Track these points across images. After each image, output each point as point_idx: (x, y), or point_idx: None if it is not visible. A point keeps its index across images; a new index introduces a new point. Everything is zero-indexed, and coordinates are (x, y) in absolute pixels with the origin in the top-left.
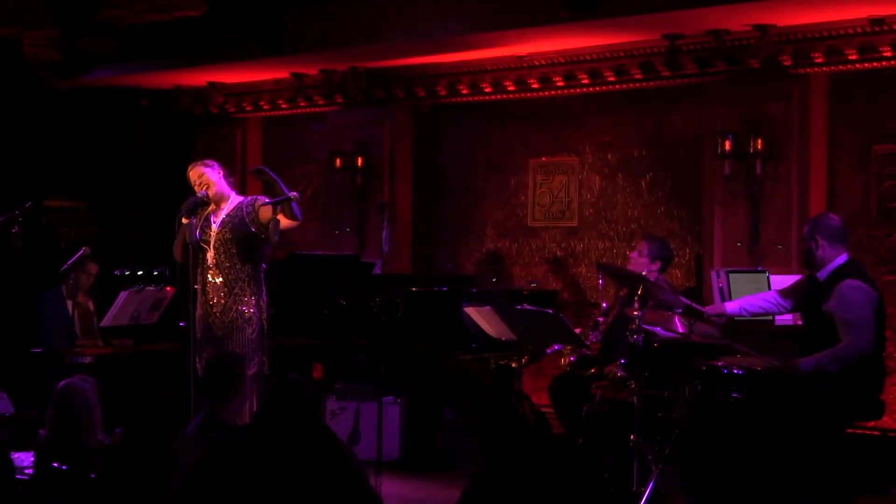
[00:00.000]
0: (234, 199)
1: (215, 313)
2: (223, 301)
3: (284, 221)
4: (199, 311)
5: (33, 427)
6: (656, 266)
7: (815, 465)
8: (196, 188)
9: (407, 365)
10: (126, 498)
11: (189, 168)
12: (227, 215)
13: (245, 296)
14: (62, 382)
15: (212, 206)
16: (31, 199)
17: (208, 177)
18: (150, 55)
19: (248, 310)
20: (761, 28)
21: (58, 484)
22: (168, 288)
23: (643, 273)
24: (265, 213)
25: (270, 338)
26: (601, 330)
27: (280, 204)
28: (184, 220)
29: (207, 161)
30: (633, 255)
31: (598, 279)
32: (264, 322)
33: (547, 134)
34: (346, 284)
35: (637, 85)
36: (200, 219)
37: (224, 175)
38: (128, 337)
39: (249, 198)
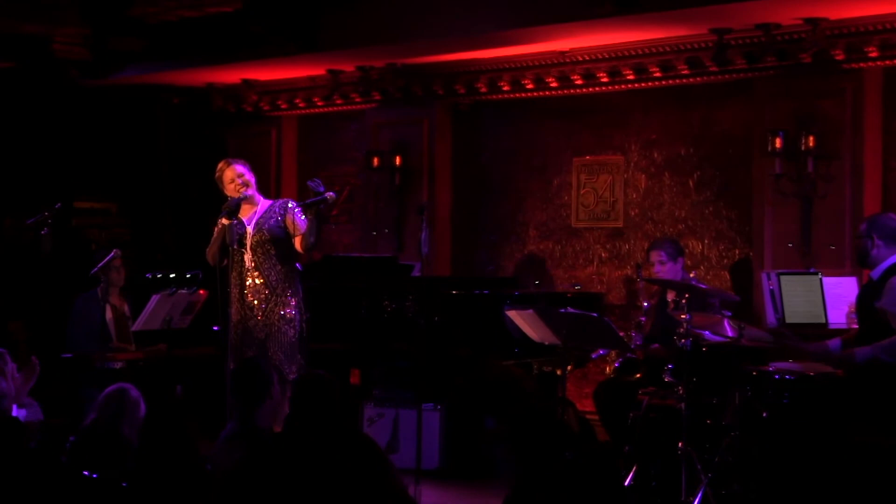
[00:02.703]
0: (263, 202)
1: (256, 316)
2: (265, 303)
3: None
4: (235, 316)
5: (62, 434)
6: (681, 263)
7: (865, 473)
8: (234, 187)
9: (447, 370)
10: None
11: (223, 166)
12: (262, 217)
13: (286, 296)
14: (115, 385)
15: (241, 211)
16: (60, 200)
17: (247, 177)
18: (182, 53)
19: (290, 311)
20: (812, 21)
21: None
22: (201, 291)
23: (675, 276)
24: (290, 221)
25: (308, 340)
26: (644, 332)
27: (315, 205)
28: (224, 222)
29: (240, 160)
30: (657, 269)
31: (638, 280)
32: (304, 323)
33: (591, 132)
34: (383, 287)
35: (684, 81)
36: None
37: (251, 172)
38: (160, 341)
39: (280, 200)
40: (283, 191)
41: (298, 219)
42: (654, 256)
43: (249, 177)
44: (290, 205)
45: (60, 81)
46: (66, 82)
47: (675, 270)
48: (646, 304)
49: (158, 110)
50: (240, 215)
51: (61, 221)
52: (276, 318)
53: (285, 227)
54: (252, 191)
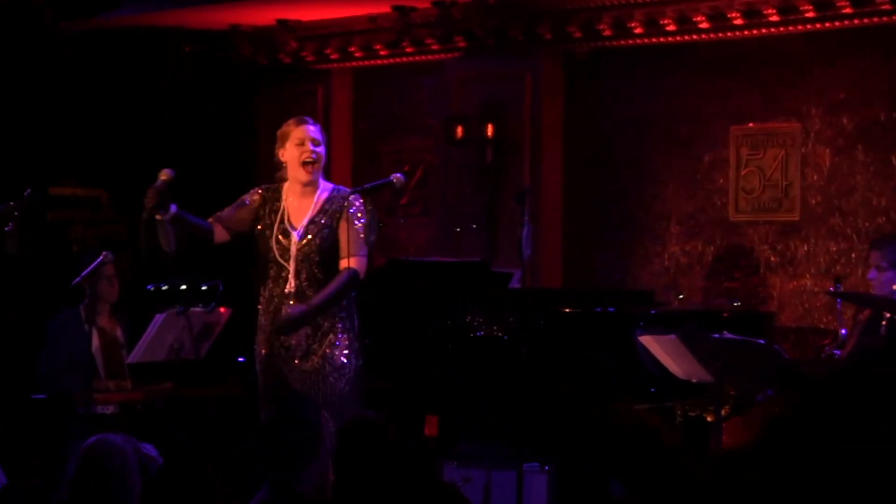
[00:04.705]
0: (324, 187)
1: (292, 359)
2: (305, 343)
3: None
4: (263, 348)
5: None
6: None
7: None
8: (300, 153)
9: (557, 418)
10: None
11: (292, 123)
12: (319, 213)
13: (335, 334)
14: (95, 437)
15: (291, 193)
16: (31, 186)
17: (322, 150)
18: None
19: (340, 354)
20: None
21: None
22: (221, 309)
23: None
24: (344, 230)
25: (364, 380)
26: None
27: (378, 190)
28: (157, 217)
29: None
30: (872, 274)
31: (837, 290)
32: (359, 365)
33: (755, 90)
34: (471, 303)
35: (885, 19)
36: (265, 210)
37: (325, 144)
38: (165, 377)
39: (343, 191)
40: (333, 171)
41: (357, 230)
42: (872, 259)
43: (322, 150)
44: (348, 203)
45: (30, 26)
46: (39, 28)
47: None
48: (843, 331)
49: (164, 63)
50: (287, 206)
51: (34, 215)
52: (322, 362)
53: (337, 237)
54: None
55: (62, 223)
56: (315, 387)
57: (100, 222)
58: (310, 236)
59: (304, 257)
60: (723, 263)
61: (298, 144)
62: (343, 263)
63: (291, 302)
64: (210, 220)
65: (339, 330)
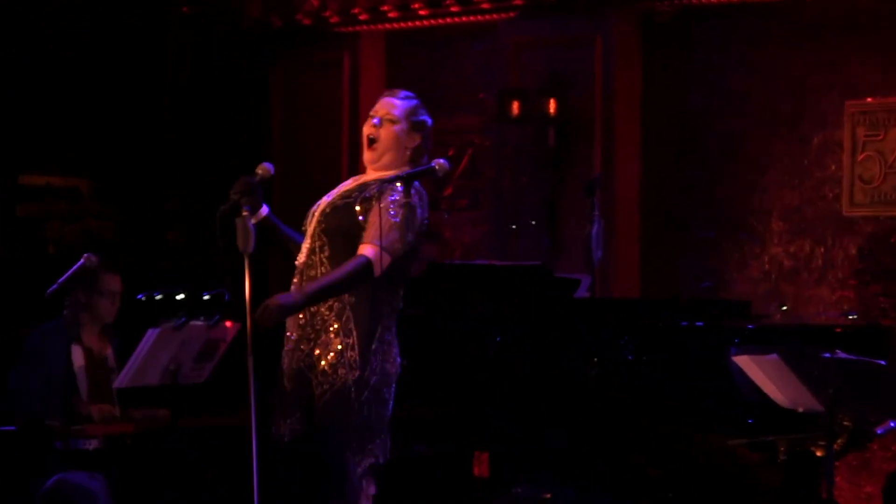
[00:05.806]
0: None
1: (293, 363)
2: (294, 343)
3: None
4: (285, 359)
5: None
6: None
7: None
8: (366, 129)
9: (633, 454)
10: None
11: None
12: (358, 187)
13: (331, 336)
14: (54, 478)
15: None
16: None
17: (392, 126)
18: None
19: (328, 359)
20: None
21: None
22: (227, 323)
23: None
24: (373, 214)
25: (388, 409)
26: None
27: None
28: (243, 214)
29: (405, 92)
30: None
31: None
32: (371, 385)
33: (874, 59)
34: (528, 315)
35: None
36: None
37: (412, 126)
38: (160, 404)
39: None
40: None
41: (389, 219)
42: None
43: (396, 125)
44: (387, 190)
45: None
46: None
47: None
48: None
49: (158, 28)
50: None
51: (1, 208)
52: (304, 365)
53: (362, 220)
54: (393, 141)
55: (35, 219)
56: (298, 397)
57: (81, 217)
58: (333, 206)
59: (317, 224)
60: (835, 268)
61: (369, 117)
62: (360, 249)
63: (295, 280)
64: None
65: (332, 331)
